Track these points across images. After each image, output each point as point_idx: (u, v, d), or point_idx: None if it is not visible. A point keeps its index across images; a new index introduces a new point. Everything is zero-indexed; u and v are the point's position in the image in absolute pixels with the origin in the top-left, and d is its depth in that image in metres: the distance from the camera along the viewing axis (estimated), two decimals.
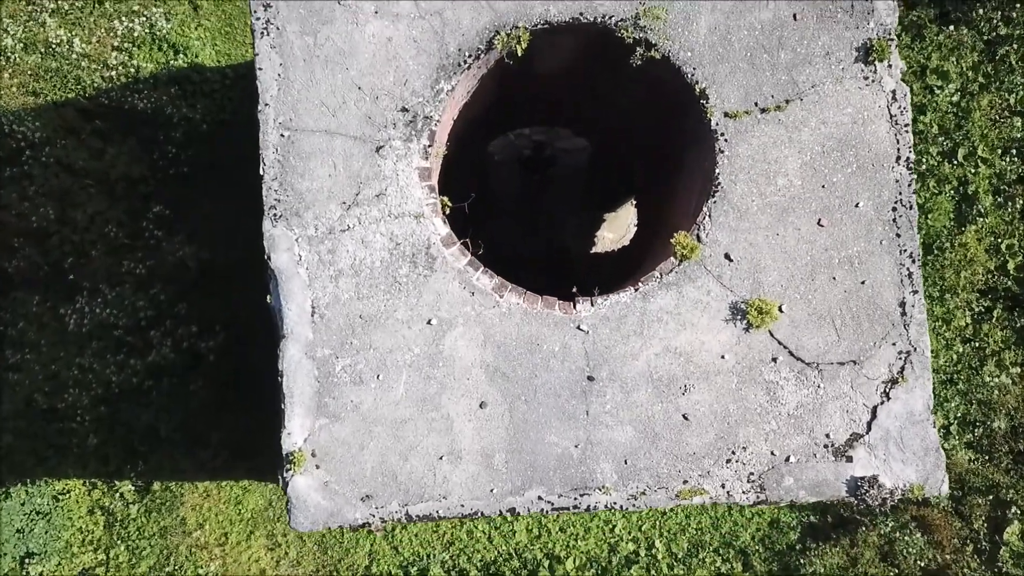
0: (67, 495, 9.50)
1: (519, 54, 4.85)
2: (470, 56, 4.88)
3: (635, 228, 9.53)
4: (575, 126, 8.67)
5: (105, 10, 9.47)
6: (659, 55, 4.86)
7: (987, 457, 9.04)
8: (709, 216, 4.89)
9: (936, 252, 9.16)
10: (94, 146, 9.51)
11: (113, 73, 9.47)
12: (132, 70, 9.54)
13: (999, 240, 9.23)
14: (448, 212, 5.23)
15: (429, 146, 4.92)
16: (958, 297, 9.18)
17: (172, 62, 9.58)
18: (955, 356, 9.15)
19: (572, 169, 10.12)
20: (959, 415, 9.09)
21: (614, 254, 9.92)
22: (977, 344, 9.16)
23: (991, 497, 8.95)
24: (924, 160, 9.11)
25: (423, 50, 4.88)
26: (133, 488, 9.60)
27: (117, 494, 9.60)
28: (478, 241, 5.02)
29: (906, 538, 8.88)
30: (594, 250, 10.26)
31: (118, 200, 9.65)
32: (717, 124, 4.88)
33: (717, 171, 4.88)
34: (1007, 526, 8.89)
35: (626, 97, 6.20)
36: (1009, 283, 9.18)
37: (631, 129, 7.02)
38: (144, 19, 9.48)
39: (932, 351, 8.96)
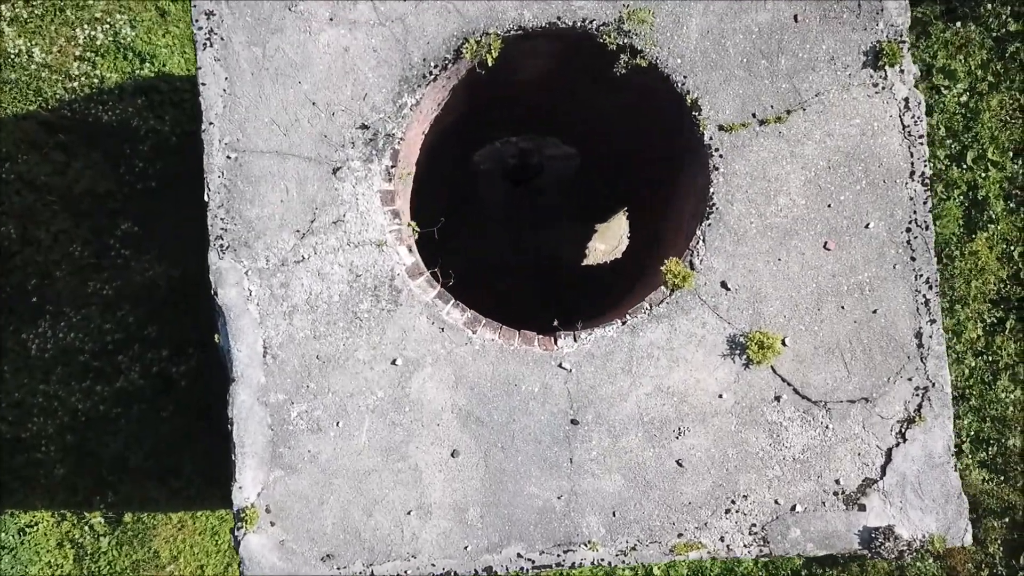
0: (34, 528, 9.02)
1: (490, 64, 4.37)
2: (436, 66, 4.39)
3: (627, 240, 9.05)
4: (562, 134, 8.19)
5: (66, 18, 8.98)
6: (645, 63, 4.37)
7: (1002, 477, 8.57)
8: (703, 240, 4.41)
9: (945, 261, 8.68)
10: (57, 161, 9.03)
11: (76, 84, 8.99)
12: (96, 80, 9.05)
13: (1011, 247, 8.76)
14: (416, 238, 4.75)
15: (392, 167, 4.44)
16: (969, 308, 8.70)
17: (138, 71, 9.09)
18: (967, 370, 8.67)
19: (561, 177, 9.64)
20: (972, 433, 8.61)
21: (607, 267, 9.44)
22: (990, 357, 8.69)
23: (1007, 520, 8.47)
24: (931, 164, 8.63)
25: (384, 61, 4.39)
26: (103, 520, 9.12)
27: (87, 526, 9.13)
28: (448, 272, 4.53)
29: (918, 564, 8.41)
30: (585, 262, 9.79)
31: (83, 217, 9.17)
32: (711, 138, 4.40)
33: (711, 190, 4.40)
34: None
35: (612, 106, 5.72)
36: (1022, 293, 8.70)
37: (620, 139, 6.54)
38: (107, 27, 8.99)
39: None
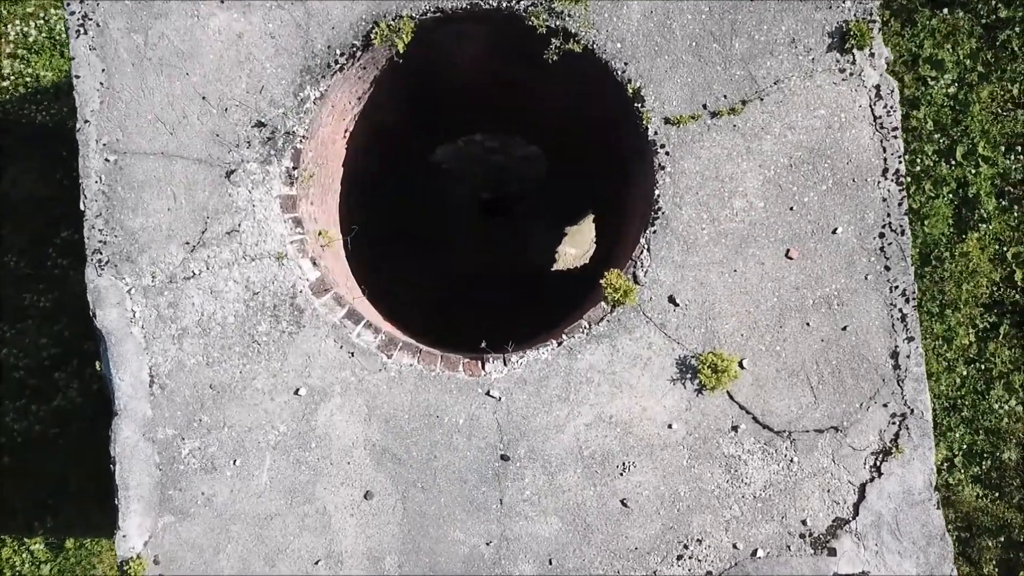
0: None
1: (401, 50, 3.84)
2: (343, 55, 3.86)
3: (595, 243, 8.52)
4: (526, 132, 7.65)
5: None
6: (580, 47, 3.84)
7: (996, 493, 8.04)
8: (647, 249, 3.87)
9: (934, 263, 8.15)
10: None
11: (8, 83, 8.44)
12: (30, 79, 8.51)
13: (1004, 248, 8.23)
14: (324, 247, 4.22)
15: (293, 168, 3.90)
16: (960, 313, 8.17)
17: None
18: (958, 379, 8.14)
19: (528, 179, 9.11)
20: (964, 446, 8.08)
21: (576, 272, 8.91)
22: (982, 365, 8.15)
23: (1002, 538, 7.94)
24: (919, 160, 8.10)
25: (283, 49, 3.86)
26: (44, 546, 8.58)
27: (26, 552, 8.58)
28: (362, 286, 4.00)
29: None
30: (555, 267, 9.25)
31: (20, 225, 8.63)
32: (656, 133, 3.87)
33: (656, 192, 3.87)
34: (1021, 570, 7.89)
35: (560, 98, 5.18)
36: (1016, 296, 8.17)
37: (577, 135, 6.01)
38: (41, 22, 8.45)
39: (932, 374, 7.96)
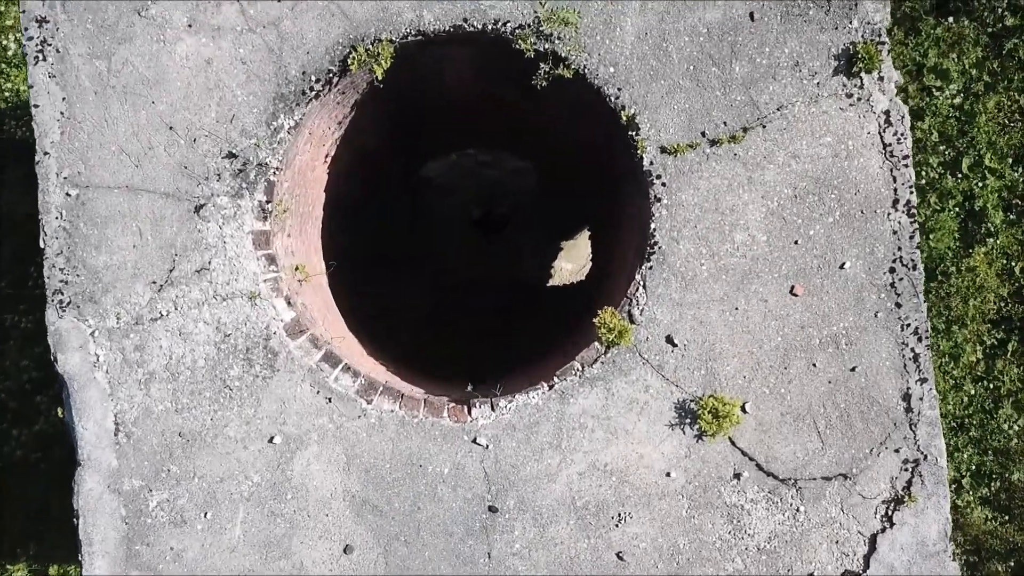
0: None
1: (380, 76, 3.61)
2: (319, 81, 3.63)
3: (591, 260, 8.28)
4: (515, 149, 7.42)
5: None
6: (571, 72, 3.61)
7: (1006, 516, 7.80)
8: (644, 286, 3.64)
9: (940, 278, 7.92)
10: None
11: None
12: (10, 94, 8.28)
13: (1012, 262, 8.00)
14: (302, 282, 4.00)
15: (267, 202, 3.67)
16: (967, 329, 7.94)
17: None
18: (965, 398, 7.91)
19: (520, 192, 8.88)
20: (972, 467, 7.85)
21: (572, 289, 8.68)
22: (990, 383, 7.92)
23: (1012, 563, 7.71)
24: (924, 172, 7.88)
25: (255, 75, 3.63)
26: (28, 572, 8.36)
27: None
28: (345, 316, 3.78)
29: None
30: (551, 283, 9.03)
31: (1, 243, 8.40)
32: (651, 163, 3.64)
33: (653, 225, 3.64)
34: None
35: (551, 122, 4.95)
36: None
37: (570, 155, 5.78)
38: (21, 35, 8.21)
39: (939, 392, 7.73)
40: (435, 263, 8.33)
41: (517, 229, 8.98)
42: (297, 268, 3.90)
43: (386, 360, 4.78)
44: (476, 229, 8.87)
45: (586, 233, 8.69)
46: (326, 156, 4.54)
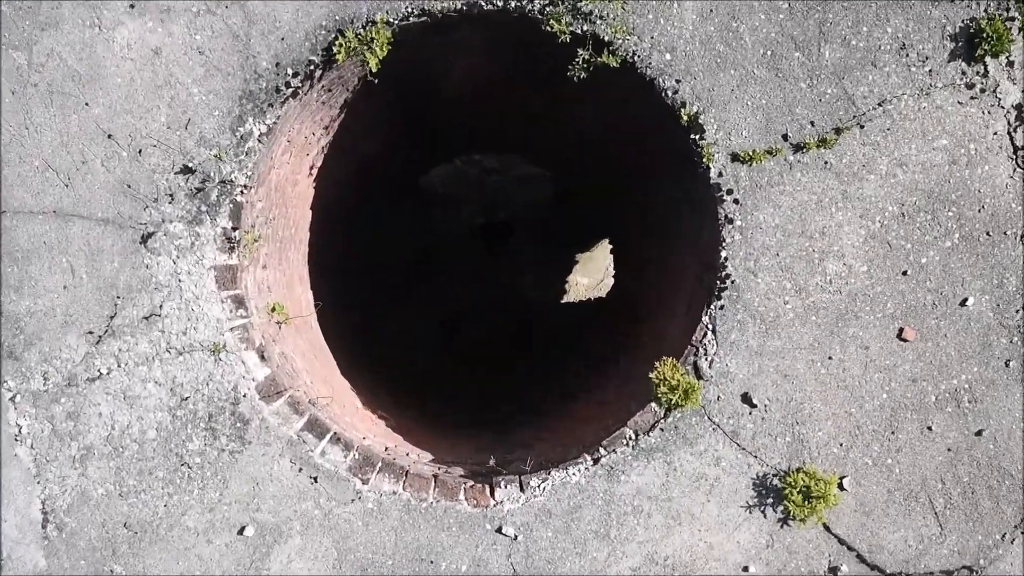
0: None
1: (374, 69, 2.83)
2: (297, 75, 2.86)
3: (612, 278, 7.50)
4: (530, 152, 6.64)
5: None
6: (617, 60, 2.84)
7: None
8: (713, 331, 2.88)
9: None
10: None
11: None
12: None
13: None
14: (282, 324, 3.22)
15: (233, 228, 2.90)
16: None
17: None
18: None
19: (533, 201, 8.12)
20: None
21: (592, 308, 7.90)
22: None
23: None
24: None
25: (215, 68, 2.86)
26: None
27: None
28: (336, 355, 3.03)
29: None
30: (565, 299, 8.26)
31: None
32: (720, 174, 2.87)
33: (723, 252, 2.87)
34: None
35: (582, 125, 4.19)
36: None
37: (600, 163, 5.01)
38: None
39: None
40: (438, 285, 7.54)
41: (525, 240, 8.20)
42: (274, 309, 3.13)
43: (385, 408, 4.02)
44: (480, 239, 8.10)
45: (605, 245, 7.92)
46: (311, 167, 3.77)
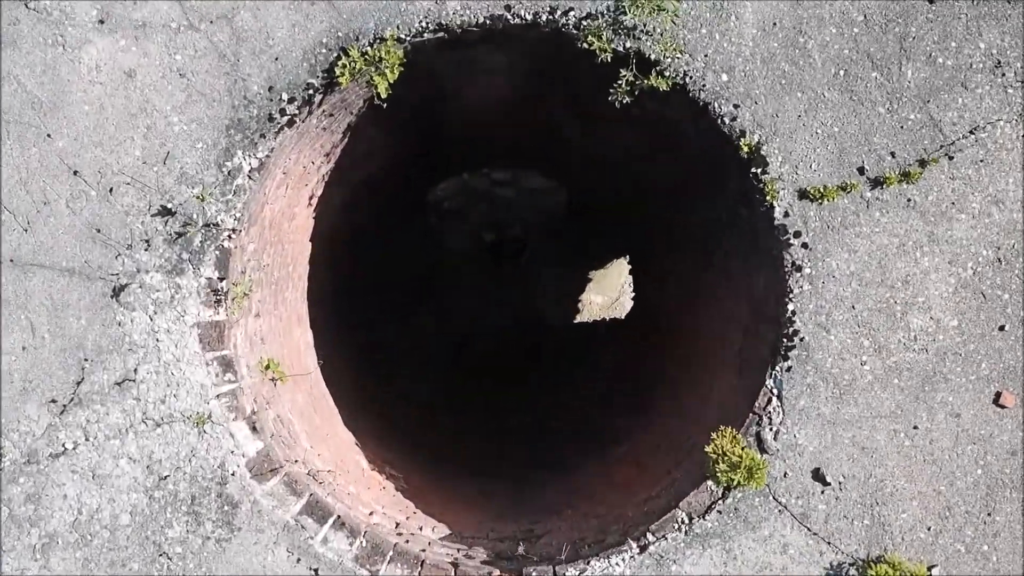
0: None
1: (384, 92, 2.43)
2: (293, 100, 2.46)
3: (630, 296, 7.09)
4: (545, 167, 6.24)
5: None
6: (667, 83, 2.44)
7: None
8: (779, 396, 2.47)
9: None
10: None
11: None
12: None
13: None
14: (277, 382, 2.82)
15: (221, 279, 2.50)
16: None
17: None
18: None
19: (545, 215, 7.72)
20: None
21: (603, 326, 7.50)
22: None
23: None
24: None
25: (199, 93, 2.46)
26: None
27: None
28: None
29: None
30: (578, 319, 7.85)
31: None
32: (786, 214, 2.47)
33: (789, 305, 2.47)
34: None
35: (617, 149, 3.78)
36: None
37: (625, 186, 4.61)
38: None
39: None
40: (445, 308, 7.14)
41: (536, 256, 7.80)
42: (268, 366, 2.73)
43: (394, 461, 3.62)
44: (490, 256, 7.69)
45: (620, 263, 7.53)
46: (310, 197, 3.37)
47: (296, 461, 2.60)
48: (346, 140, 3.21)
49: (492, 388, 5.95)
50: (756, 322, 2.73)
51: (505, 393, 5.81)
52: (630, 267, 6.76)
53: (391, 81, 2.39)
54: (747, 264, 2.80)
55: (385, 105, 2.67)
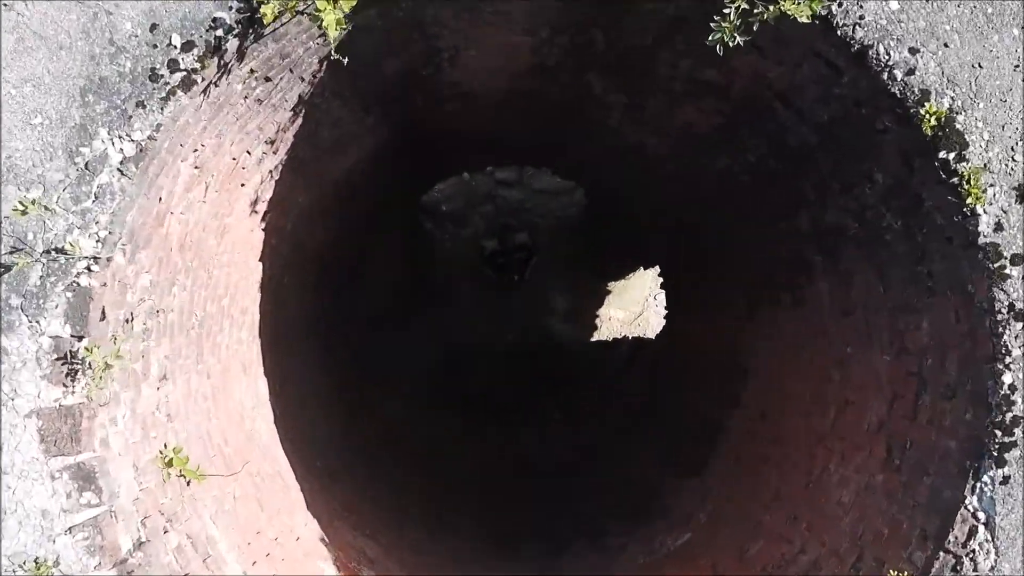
0: None
1: (334, 35, 1.47)
2: (188, 46, 1.50)
3: (662, 311, 6.10)
4: (557, 162, 5.27)
5: None
6: (806, 13, 1.47)
7: None
8: (986, 525, 1.51)
9: None
10: None
11: None
12: None
13: None
14: (191, 483, 1.86)
15: (77, 336, 1.54)
16: None
17: None
18: None
19: (557, 220, 6.76)
20: None
21: (625, 346, 6.54)
22: None
23: None
24: None
25: (33, 33, 1.50)
26: None
27: None
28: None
29: None
30: (596, 337, 6.88)
31: None
32: (999, 224, 1.51)
33: (1006, 377, 1.50)
34: None
35: (668, 133, 2.81)
36: None
37: (674, 182, 3.63)
38: None
39: None
40: (438, 335, 6.18)
41: (546, 265, 6.84)
42: (171, 460, 1.77)
43: (374, 560, 2.66)
44: (491, 266, 6.73)
45: (643, 273, 6.57)
46: (253, 202, 2.40)
47: None
48: (300, 121, 2.25)
49: (505, 450, 4.87)
50: (912, 389, 1.77)
51: (520, 458, 4.75)
52: (663, 270, 5.70)
53: (345, 12, 1.43)
54: (897, 300, 1.84)
55: (346, 62, 1.71)
